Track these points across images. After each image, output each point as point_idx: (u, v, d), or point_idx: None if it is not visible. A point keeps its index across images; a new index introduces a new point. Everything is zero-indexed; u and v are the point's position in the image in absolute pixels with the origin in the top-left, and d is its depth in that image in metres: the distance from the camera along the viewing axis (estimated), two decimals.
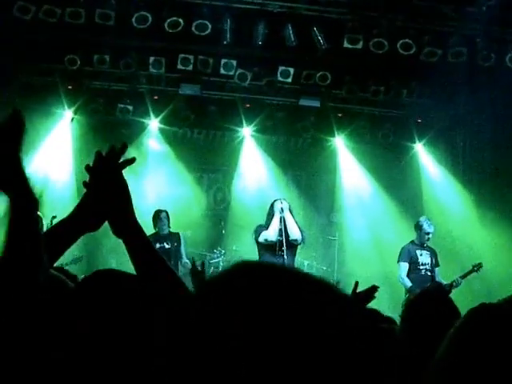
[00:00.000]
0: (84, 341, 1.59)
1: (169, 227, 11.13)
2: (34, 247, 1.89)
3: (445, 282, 10.60)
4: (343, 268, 13.74)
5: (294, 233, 9.85)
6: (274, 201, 10.29)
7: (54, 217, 10.13)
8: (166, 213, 11.17)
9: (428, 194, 14.31)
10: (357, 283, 5.00)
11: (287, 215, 9.92)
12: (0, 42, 11.10)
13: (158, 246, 10.65)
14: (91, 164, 2.34)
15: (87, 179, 2.32)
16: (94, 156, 2.32)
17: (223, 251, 12.83)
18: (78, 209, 2.28)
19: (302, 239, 10.05)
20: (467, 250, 12.73)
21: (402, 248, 11.05)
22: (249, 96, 13.40)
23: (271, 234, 9.82)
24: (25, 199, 1.97)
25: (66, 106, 12.94)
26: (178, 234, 11.23)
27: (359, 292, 4.97)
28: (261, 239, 9.94)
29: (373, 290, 5.03)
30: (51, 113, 12.84)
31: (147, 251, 2.19)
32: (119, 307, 1.68)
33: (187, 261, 11.14)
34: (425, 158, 14.38)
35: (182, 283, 2.14)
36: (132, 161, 2.33)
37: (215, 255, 12.83)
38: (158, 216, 11.01)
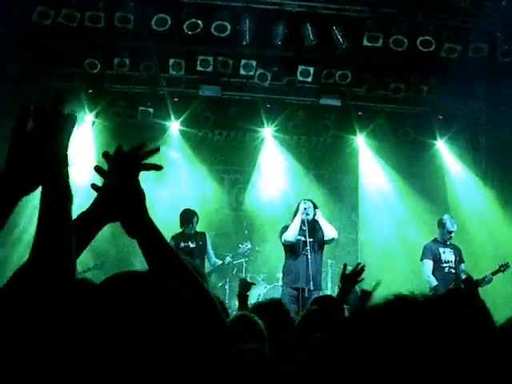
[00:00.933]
0: (98, 341, 1.59)
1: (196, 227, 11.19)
2: (66, 247, 1.87)
3: (475, 279, 10.51)
4: (366, 267, 13.66)
5: (330, 233, 9.97)
6: (300, 201, 10.33)
7: None
8: (197, 216, 11.21)
9: (451, 191, 14.22)
10: (345, 266, 5.10)
11: (319, 215, 10.02)
12: (20, 47, 11.17)
13: (182, 244, 10.75)
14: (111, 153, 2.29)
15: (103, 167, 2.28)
16: (115, 150, 2.26)
17: (248, 245, 12.70)
18: (98, 199, 2.26)
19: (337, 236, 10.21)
20: (491, 248, 12.64)
21: (425, 246, 11.00)
22: (269, 96, 13.40)
23: (290, 234, 9.88)
24: (60, 193, 1.94)
25: (87, 110, 13.03)
26: (203, 233, 11.26)
27: (347, 274, 5.06)
28: (282, 240, 10.01)
29: (360, 270, 5.10)
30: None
31: (163, 251, 2.16)
32: (133, 306, 1.68)
33: (216, 260, 11.22)
34: (447, 154, 14.29)
35: (201, 283, 2.12)
36: (156, 167, 2.28)
37: (240, 250, 12.69)
38: (191, 217, 11.04)
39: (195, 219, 11.07)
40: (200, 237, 11.10)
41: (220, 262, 11.17)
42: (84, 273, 10.30)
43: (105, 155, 2.28)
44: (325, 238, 9.86)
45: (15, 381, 1.59)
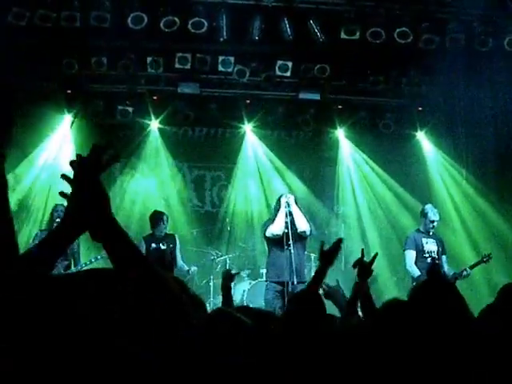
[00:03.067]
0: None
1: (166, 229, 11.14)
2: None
3: (453, 272, 10.55)
4: (349, 259, 13.73)
5: (302, 225, 9.87)
6: (280, 196, 10.31)
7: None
8: (167, 216, 11.18)
9: (432, 181, 14.28)
10: (322, 243, 5.08)
11: (294, 208, 9.94)
12: None
13: (154, 245, 10.73)
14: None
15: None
16: (71, 164, 2.29)
17: (220, 253, 12.83)
18: (64, 218, 2.27)
19: (311, 231, 10.06)
20: (472, 237, 12.73)
21: (407, 236, 11.03)
22: (248, 92, 13.37)
23: (277, 228, 9.84)
24: None
25: (65, 110, 12.94)
26: (173, 235, 11.22)
27: (324, 251, 5.03)
28: (268, 234, 9.98)
29: (337, 242, 5.06)
30: (51, 117, 12.83)
31: (130, 255, 2.15)
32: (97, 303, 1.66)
33: (183, 264, 11.15)
34: (427, 145, 14.35)
35: (169, 286, 2.11)
36: (115, 158, 2.30)
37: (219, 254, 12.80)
38: (159, 218, 11.00)
39: (164, 220, 11.03)
40: (170, 239, 11.06)
41: (186, 269, 11.02)
42: (86, 266, 10.29)
43: (70, 163, 2.29)
44: (298, 231, 9.81)
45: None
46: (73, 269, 10.16)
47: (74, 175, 2.23)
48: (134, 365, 1.52)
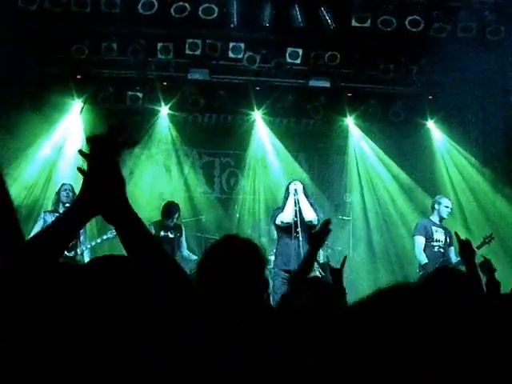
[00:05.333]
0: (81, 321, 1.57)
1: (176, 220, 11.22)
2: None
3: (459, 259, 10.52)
4: (358, 248, 13.76)
5: (309, 214, 9.81)
6: (289, 183, 10.29)
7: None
8: (178, 207, 11.25)
9: (441, 170, 14.23)
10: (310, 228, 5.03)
11: (301, 197, 9.89)
12: (6, 34, 11.08)
13: (162, 233, 10.80)
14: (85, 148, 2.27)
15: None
16: (88, 140, 2.24)
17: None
18: (80, 196, 2.23)
19: (318, 220, 10.03)
20: (483, 227, 12.67)
21: (418, 222, 11.03)
22: (258, 79, 13.32)
23: (286, 216, 9.81)
24: None
25: (75, 96, 12.94)
26: (180, 225, 11.39)
27: (314, 232, 5.01)
28: (277, 222, 9.95)
29: (326, 224, 5.03)
30: (61, 103, 12.85)
31: (142, 237, 2.15)
32: (116, 288, 1.65)
33: (189, 253, 11.23)
34: (437, 134, 14.28)
35: (182, 268, 2.11)
36: (134, 143, 2.27)
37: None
38: (174, 210, 11.07)
39: (177, 214, 11.11)
40: (178, 228, 11.19)
41: (194, 258, 11.03)
42: (97, 244, 10.34)
43: (87, 140, 2.25)
44: (304, 220, 9.76)
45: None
46: (78, 249, 10.18)
47: (90, 153, 2.20)
48: (133, 364, 1.52)
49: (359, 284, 12.11)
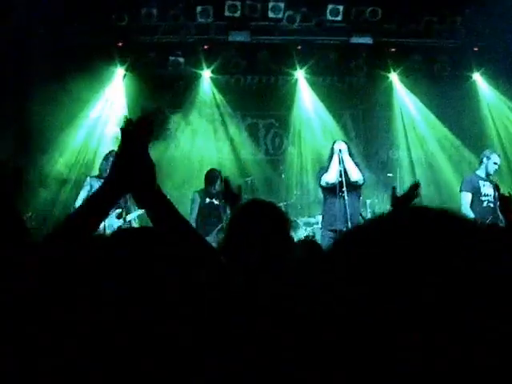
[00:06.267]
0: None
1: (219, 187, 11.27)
2: None
3: None
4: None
5: (354, 175, 9.76)
6: (333, 143, 10.23)
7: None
8: (220, 173, 11.28)
9: (488, 124, 14.00)
10: (394, 188, 4.79)
11: (346, 157, 9.83)
12: (45, 5, 11.14)
13: (207, 200, 10.86)
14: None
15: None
16: (121, 130, 2.33)
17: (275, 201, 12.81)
18: (112, 172, 2.31)
19: (364, 180, 9.98)
20: None
21: (465, 178, 10.84)
22: (299, 38, 13.19)
23: (331, 176, 9.77)
24: None
25: (117, 63, 13.01)
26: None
27: (400, 196, 4.72)
28: (322, 182, 9.92)
29: (414, 187, 4.79)
30: (103, 70, 12.93)
31: (173, 219, 2.20)
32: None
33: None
34: (484, 87, 14.02)
35: (214, 249, 2.16)
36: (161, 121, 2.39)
37: None
38: (215, 176, 11.11)
39: (218, 181, 11.15)
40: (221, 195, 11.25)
41: None
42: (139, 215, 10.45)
43: (121, 129, 2.35)
44: (350, 180, 9.70)
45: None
46: (127, 216, 10.28)
47: (122, 141, 2.28)
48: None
49: None
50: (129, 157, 2.23)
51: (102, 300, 1.50)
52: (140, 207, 2.30)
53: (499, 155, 10.85)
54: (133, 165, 2.22)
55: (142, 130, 2.28)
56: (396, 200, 4.74)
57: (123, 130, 2.28)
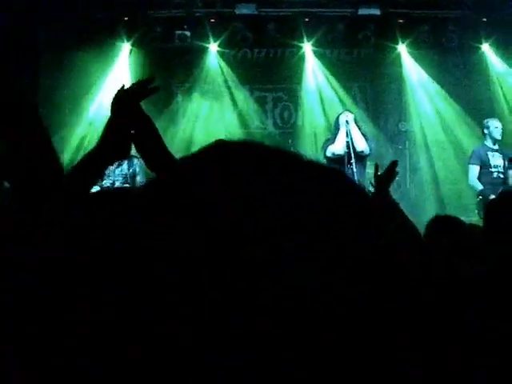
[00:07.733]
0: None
1: None
2: None
3: None
4: (415, 176, 13.65)
5: (360, 145, 9.76)
6: (339, 114, 10.21)
7: None
8: None
9: (498, 95, 13.91)
10: (376, 166, 4.79)
11: (352, 127, 9.82)
12: None
13: None
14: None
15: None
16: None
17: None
18: (103, 138, 2.33)
19: (370, 150, 9.96)
20: None
21: (473, 150, 10.88)
22: (306, 10, 13.11)
23: (338, 147, 9.77)
24: None
25: (124, 38, 12.98)
26: None
27: (380, 174, 4.70)
28: (328, 153, 9.91)
29: (392, 166, 4.73)
30: (110, 45, 12.91)
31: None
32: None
33: None
34: (493, 58, 13.91)
35: None
36: (154, 89, 2.37)
37: None
38: None
39: None
40: None
41: None
42: None
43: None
44: (356, 150, 9.68)
45: None
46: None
47: (113, 99, 2.29)
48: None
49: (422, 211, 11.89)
50: (121, 118, 2.24)
51: (102, 300, 1.49)
52: (151, 171, 2.30)
53: (497, 119, 10.88)
54: (126, 126, 2.23)
55: (133, 93, 2.29)
56: (377, 179, 4.68)
57: (116, 94, 2.30)
